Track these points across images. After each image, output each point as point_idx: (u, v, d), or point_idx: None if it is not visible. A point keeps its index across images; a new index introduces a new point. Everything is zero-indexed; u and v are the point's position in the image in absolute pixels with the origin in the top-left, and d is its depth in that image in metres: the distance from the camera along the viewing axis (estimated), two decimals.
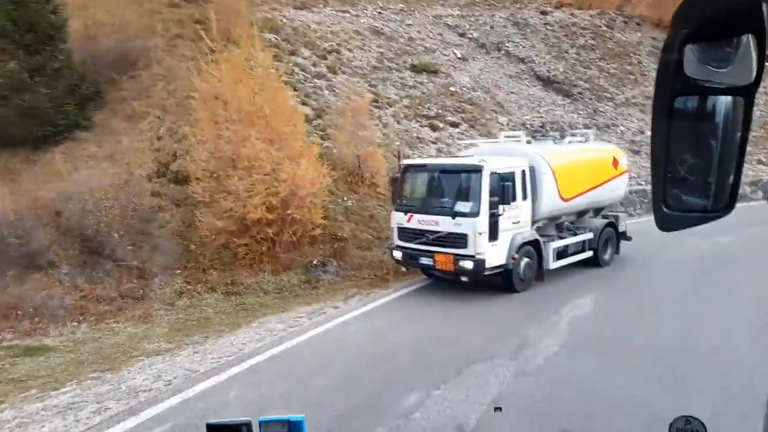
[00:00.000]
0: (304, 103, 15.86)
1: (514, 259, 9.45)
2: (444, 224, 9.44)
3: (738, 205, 1.03)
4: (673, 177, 1.03)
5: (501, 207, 9.19)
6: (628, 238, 12.00)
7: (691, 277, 10.40)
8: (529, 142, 11.73)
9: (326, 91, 17.13)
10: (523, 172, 9.73)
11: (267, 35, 18.30)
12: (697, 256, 11.50)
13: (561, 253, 10.60)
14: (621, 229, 11.93)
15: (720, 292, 9.22)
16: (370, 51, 20.61)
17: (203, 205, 10.90)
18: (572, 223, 11.48)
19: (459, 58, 23.00)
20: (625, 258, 11.93)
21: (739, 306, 8.32)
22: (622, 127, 21.36)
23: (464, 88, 20.80)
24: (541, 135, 13.75)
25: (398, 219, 10.20)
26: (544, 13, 27.08)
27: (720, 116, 0.98)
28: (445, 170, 10.29)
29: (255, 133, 10.57)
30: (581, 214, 11.59)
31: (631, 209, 16.51)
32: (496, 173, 9.22)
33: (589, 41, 25.92)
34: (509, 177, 9.47)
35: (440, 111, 19.02)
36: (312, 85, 17.14)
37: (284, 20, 20.06)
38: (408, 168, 10.72)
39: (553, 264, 10.28)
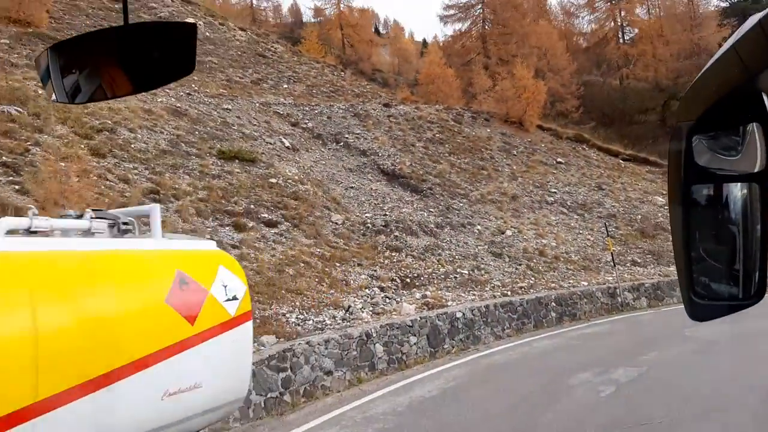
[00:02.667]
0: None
1: None
2: None
3: None
4: (699, 265, 1.00)
5: None
6: None
7: None
8: None
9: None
10: None
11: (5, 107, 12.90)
12: None
13: None
14: None
15: None
16: (161, 133, 15.73)
17: None
18: None
19: (287, 147, 18.95)
20: None
21: None
22: (479, 227, 18.17)
23: (289, 181, 16.48)
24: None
25: None
26: (387, 105, 24.55)
27: (737, 203, 0.98)
28: None
29: None
30: None
31: (498, 329, 12.53)
32: None
33: (437, 135, 23.54)
34: None
35: (253, 206, 14.29)
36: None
37: (40, 91, 14.72)
38: None
39: None
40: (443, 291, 13.66)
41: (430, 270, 14.60)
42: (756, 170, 0.93)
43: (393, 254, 15.05)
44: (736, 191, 0.98)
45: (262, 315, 9.66)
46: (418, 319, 10.83)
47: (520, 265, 16.44)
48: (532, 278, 15.74)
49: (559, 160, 24.82)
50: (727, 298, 1.02)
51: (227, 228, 13.03)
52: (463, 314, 11.79)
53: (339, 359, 8.95)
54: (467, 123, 25.45)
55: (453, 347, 11.24)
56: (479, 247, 16.84)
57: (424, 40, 63.03)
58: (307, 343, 8.63)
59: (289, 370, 8.04)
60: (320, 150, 20.50)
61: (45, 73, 1.51)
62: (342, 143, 21.18)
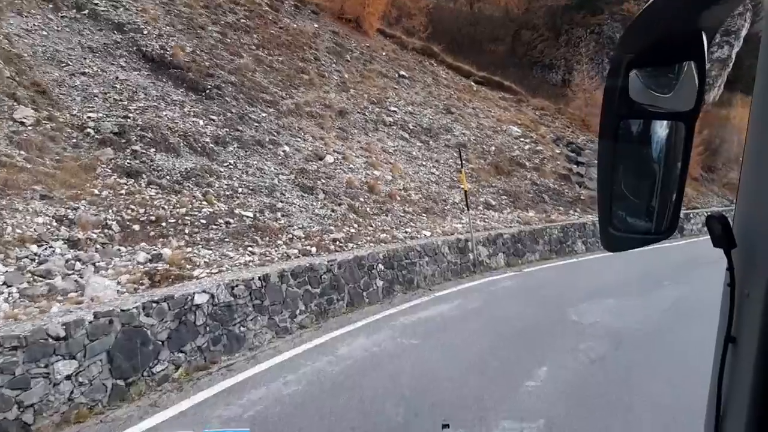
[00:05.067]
0: None
1: None
2: None
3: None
4: (618, 199, 1.02)
5: None
6: None
7: None
8: None
9: None
10: None
11: None
12: None
13: None
14: None
15: None
16: None
17: None
18: None
19: None
20: None
21: None
22: (286, 147, 12.44)
23: None
24: None
25: None
26: None
27: (662, 141, 0.99)
28: None
29: None
30: None
31: (283, 315, 7.15)
32: None
33: (243, 20, 16.88)
34: None
35: None
36: None
37: None
38: None
39: None
40: (197, 248, 7.85)
41: (183, 210, 8.61)
42: (684, 110, 0.95)
43: (122, 181, 8.76)
44: (663, 129, 0.99)
45: None
46: (87, 320, 4.93)
47: (339, 205, 11.17)
48: (355, 225, 10.58)
49: (402, 73, 19.78)
50: (642, 232, 1.04)
51: None
52: (213, 297, 6.17)
53: None
54: (288, 13, 19.05)
55: (166, 371, 5.60)
56: (281, 177, 11.18)
57: None
58: None
59: None
60: (47, 16, 12.84)
61: None
62: (87, 11, 13.64)
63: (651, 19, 0.90)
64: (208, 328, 6.01)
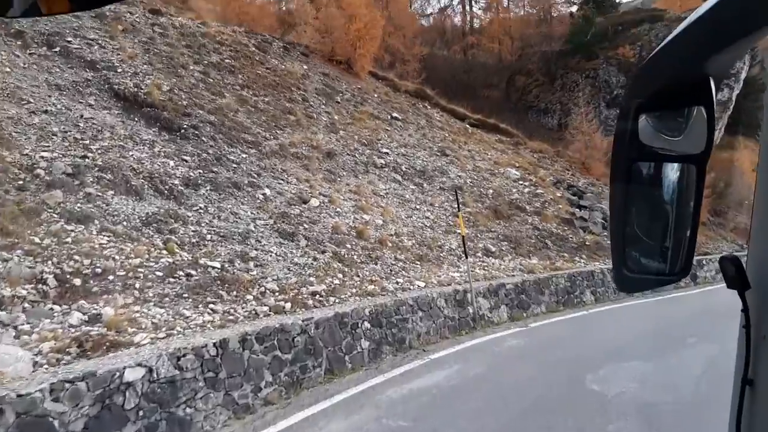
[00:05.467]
0: None
1: None
2: None
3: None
4: (632, 240, 1.03)
5: None
6: None
7: None
8: None
9: None
10: None
11: None
12: None
13: None
14: None
15: None
16: None
17: None
18: None
19: None
20: None
21: None
22: (267, 190, 11.40)
23: None
24: None
25: None
26: (155, 12, 16.52)
27: (674, 183, 1.00)
28: None
29: None
30: None
31: (223, 398, 5.92)
32: None
33: (228, 60, 16.18)
34: None
35: None
36: None
37: None
38: None
39: None
40: (147, 306, 6.64)
41: (137, 261, 7.45)
42: (695, 152, 0.95)
43: (70, 227, 7.62)
44: (675, 171, 1.00)
45: None
46: None
47: (322, 252, 10.03)
48: (339, 276, 9.40)
49: (395, 115, 19.02)
50: (656, 273, 1.04)
51: None
52: (152, 371, 4.94)
53: None
54: (276, 54, 18.43)
55: None
56: (258, 222, 10.08)
57: None
58: None
59: None
60: (13, 53, 12.03)
61: None
62: (59, 48, 12.86)
63: (659, 65, 0.94)
64: (141, 413, 4.75)
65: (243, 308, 7.21)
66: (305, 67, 18.58)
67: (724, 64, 0.89)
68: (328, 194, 12.64)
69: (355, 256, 10.49)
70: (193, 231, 8.82)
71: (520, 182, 18.24)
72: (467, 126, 21.79)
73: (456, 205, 10.99)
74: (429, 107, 21.72)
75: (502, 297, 10.63)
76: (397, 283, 9.81)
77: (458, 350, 8.43)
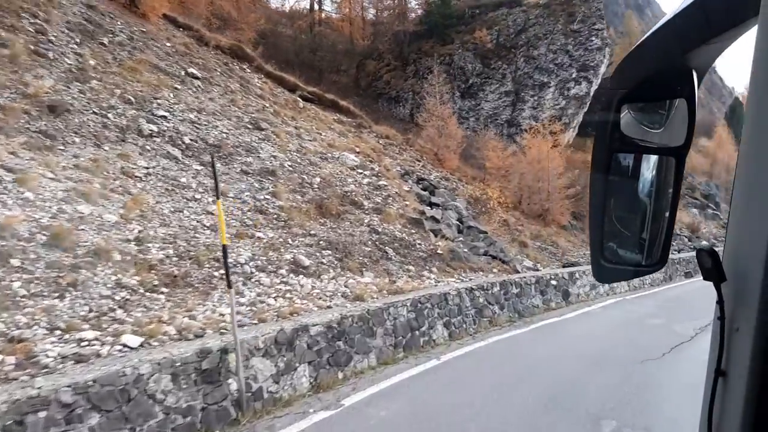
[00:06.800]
0: None
1: None
2: None
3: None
4: (610, 231, 1.00)
5: None
6: None
7: None
8: None
9: None
10: None
11: None
12: None
13: None
14: None
15: None
16: None
17: None
18: None
19: None
20: None
21: None
22: None
23: None
24: None
25: None
26: None
27: (653, 174, 0.99)
28: None
29: None
30: None
31: None
32: None
33: None
34: None
35: None
36: None
37: None
38: None
39: None
40: None
41: None
42: (675, 145, 0.94)
43: None
44: (653, 163, 0.98)
45: None
46: None
47: None
48: None
49: (192, 71, 13.82)
50: (633, 264, 1.03)
51: None
52: None
53: None
54: None
55: None
56: None
57: None
58: None
59: None
60: None
61: None
62: None
63: (643, 57, 0.92)
64: None
65: None
66: None
67: (708, 56, 0.87)
68: (22, 168, 7.27)
69: (20, 282, 5.36)
70: None
71: (359, 170, 14.12)
72: (298, 99, 17.22)
73: (214, 180, 5.92)
74: (249, 71, 16.76)
75: (301, 351, 6.18)
76: (79, 342, 4.89)
77: None
